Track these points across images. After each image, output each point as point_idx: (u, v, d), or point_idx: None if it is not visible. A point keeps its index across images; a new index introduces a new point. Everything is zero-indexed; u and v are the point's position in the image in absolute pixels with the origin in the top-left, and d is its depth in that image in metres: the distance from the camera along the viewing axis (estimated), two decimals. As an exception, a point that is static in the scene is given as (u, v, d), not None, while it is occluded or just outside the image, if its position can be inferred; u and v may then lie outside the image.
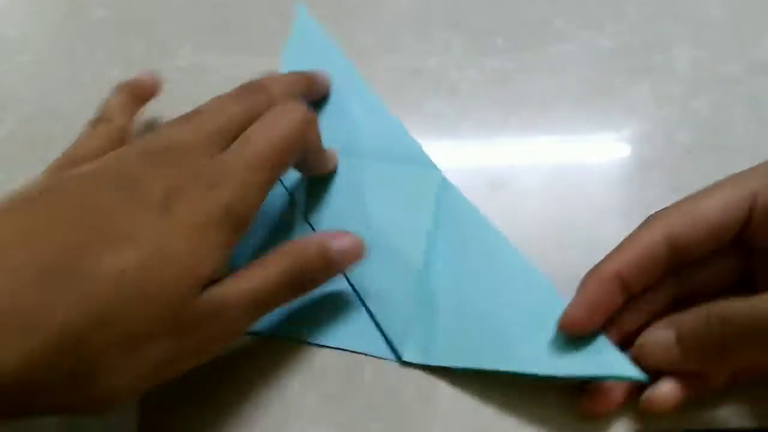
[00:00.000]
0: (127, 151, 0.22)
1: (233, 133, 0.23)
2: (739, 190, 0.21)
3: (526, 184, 0.29)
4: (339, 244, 0.24)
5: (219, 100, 0.24)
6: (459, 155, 0.31)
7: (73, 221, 0.19)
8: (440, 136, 0.31)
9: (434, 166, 0.29)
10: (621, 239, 0.23)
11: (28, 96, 0.34)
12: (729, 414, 0.23)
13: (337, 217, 0.27)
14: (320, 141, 0.26)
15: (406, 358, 0.25)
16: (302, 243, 0.23)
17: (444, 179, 0.28)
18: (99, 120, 0.27)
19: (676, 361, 0.22)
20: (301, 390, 0.25)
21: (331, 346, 0.25)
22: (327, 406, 0.24)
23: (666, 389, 0.22)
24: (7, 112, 0.33)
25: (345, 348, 0.25)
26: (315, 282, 0.24)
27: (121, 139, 0.26)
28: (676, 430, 0.23)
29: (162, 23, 0.36)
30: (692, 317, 0.21)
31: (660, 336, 0.22)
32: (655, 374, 0.22)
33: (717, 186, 0.22)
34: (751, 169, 0.22)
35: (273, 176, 0.22)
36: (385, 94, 0.33)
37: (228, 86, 0.33)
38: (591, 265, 0.23)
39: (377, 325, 0.25)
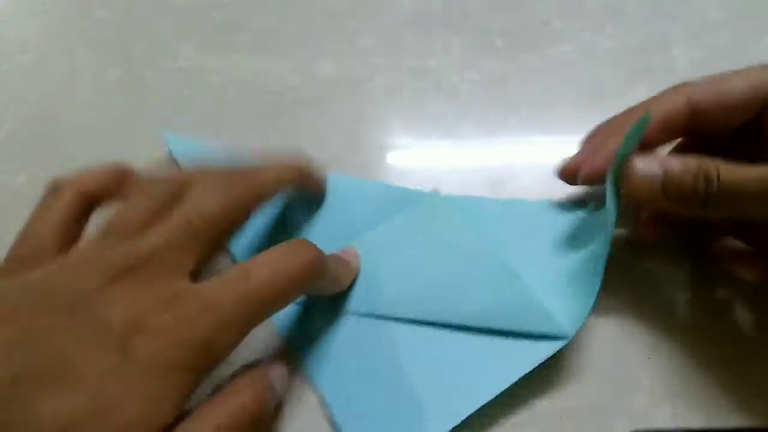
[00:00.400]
0: (84, 258, 0.19)
1: (209, 234, 0.20)
2: (760, 75, 0.22)
3: (526, 183, 0.29)
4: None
5: (197, 187, 0.21)
6: (459, 155, 0.31)
7: (6, 352, 0.16)
8: (440, 136, 0.31)
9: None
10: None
11: (28, 96, 0.34)
12: (729, 414, 0.23)
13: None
14: (329, 275, 0.23)
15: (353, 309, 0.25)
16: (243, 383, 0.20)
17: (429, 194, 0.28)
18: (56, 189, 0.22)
19: (655, 200, 0.22)
20: (300, 390, 0.25)
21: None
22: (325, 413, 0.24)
23: (648, 166, 0.22)
24: (7, 112, 0.33)
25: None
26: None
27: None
28: (676, 430, 0.23)
29: (163, 24, 0.36)
30: (683, 166, 0.22)
31: (649, 172, 0.22)
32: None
33: (747, 68, 0.23)
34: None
35: (260, 317, 0.19)
36: (385, 94, 0.33)
37: (228, 86, 0.33)
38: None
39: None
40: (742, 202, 0.21)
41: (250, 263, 0.19)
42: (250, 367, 0.20)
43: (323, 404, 0.24)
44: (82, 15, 0.37)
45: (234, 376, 0.20)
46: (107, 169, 0.23)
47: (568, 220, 0.27)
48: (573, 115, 0.31)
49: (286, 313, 0.26)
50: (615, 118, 0.25)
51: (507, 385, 0.23)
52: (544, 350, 0.23)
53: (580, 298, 0.24)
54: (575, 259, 0.26)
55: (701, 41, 0.33)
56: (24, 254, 0.20)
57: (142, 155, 0.31)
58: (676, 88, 0.23)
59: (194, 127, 0.32)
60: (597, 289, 0.23)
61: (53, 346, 0.16)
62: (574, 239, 0.26)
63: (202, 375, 0.18)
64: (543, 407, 0.24)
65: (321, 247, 0.22)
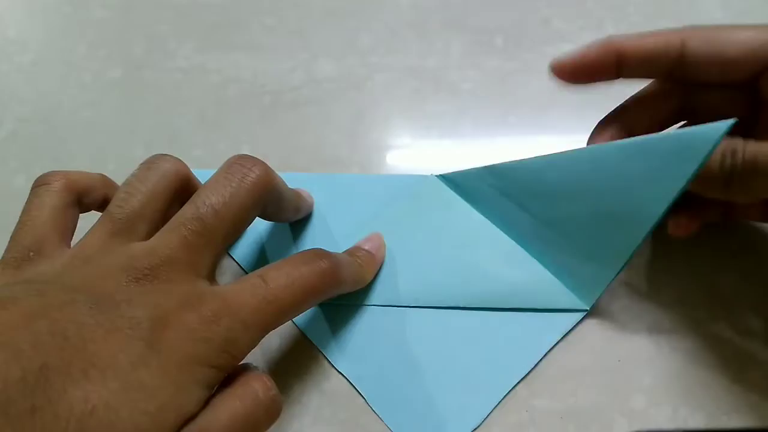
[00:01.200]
0: (100, 252, 0.19)
1: (220, 232, 0.20)
2: (764, 36, 0.21)
3: (526, 183, 0.29)
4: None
5: (207, 185, 0.21)
6: (459, 155, 0.31)
7: (36, 341, 0.16)
8: (440, 136, 0.31)
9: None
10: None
11: (28, 96, 0.34)
12: (729, 414, 0.23)
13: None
14: (347, 281, 0.23)
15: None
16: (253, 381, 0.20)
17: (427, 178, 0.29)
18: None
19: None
20: (300, 389, 0.25)
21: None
22: (327, 406, 0.24)
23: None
24: (7, 112, 0.33)
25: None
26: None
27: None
28: (676, 430, 0.23)
29: (162, 23, 0.36)
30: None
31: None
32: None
33: (754, 26, 0.22)
34: None
35: (277, 323, 0.20)
36: (385, 94, 0.33)
37: (228, 86, 0.33)
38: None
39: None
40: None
41: (267, 271, 0.20)
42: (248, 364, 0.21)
43: (362, 397, 0.24)
44: (82, 15, 0.37)
45: (236, 370, 0.20)
46: (93, 174, 0.24)
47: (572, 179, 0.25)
48: (573, 115, 0.31)
49: (309, 312, 0.26)
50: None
51: (537, 360, 0.24)
52: (564, 323, 0.25)
53: (598, 269, 0.24)
54: (574, 226, 0.25)
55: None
56: (27, 246, 0.20)
57: (142, 155, 0.31)
58: (674, 30, 0.23)
59: (194, 127, 0.32)
60: (625, 259, 0.23)
61: (83, 338, 0.17)
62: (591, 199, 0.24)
63: (222, 372, 0.18)
64: (543, 407, 0.24)
65: (325, 248, 0.22)
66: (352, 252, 0.26)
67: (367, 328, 0.25)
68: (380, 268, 0.27)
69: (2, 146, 0.32)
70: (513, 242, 0.27)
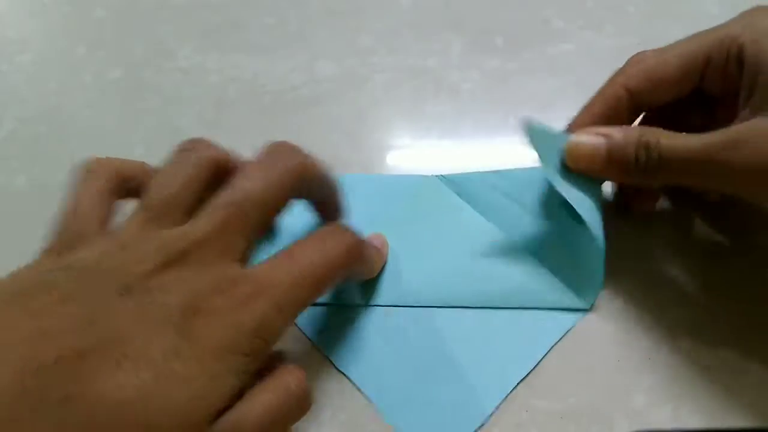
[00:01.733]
0: (135, 239, 0.19)
1: (258, 209, 0.20)
2: (695, 46, 0.23)
3: (526, 184, 0.29)
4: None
5: (240, 168, 0.21)
6: (459, 155, 0.31)
7: (73, 328, 0.16)
8: (440, 136, 0.31)
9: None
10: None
11: (28, 96, 0.34)
12: (729, 414, 0.23)
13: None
14: (367, 260, 0.24)
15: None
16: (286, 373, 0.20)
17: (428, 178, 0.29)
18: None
19: (598, 170, 0.24)
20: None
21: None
22: (327, 408, 0.24)
23: (590, 139, 0.24)
24: (7, 112, 0.33)
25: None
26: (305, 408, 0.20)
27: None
28: (676, 430, 0.23)
29: (162, 24, 0.36)
30: (625, 136, 0.23)
31: (593, 143, 0.24)
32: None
33: (684, 41, 0.24)
34: (708, 30, 0.24)
35: (310, 300, 0.20)
36: (385, 93, 0.33)
37: (228, 86, 0.33)
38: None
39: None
40: (681, 170, 0.22)
41: (296, 247, 0.20)
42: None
43: (368, 400, 0.24)
44: (82, 15, 0.37)
45: (270, 363, 0.20)
46: (134, 161, 0.24)
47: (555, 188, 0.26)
48: (573, 115, 0.31)
49: (311, 314, 0.26)
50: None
51: (538, 359, 0.24)
52: (565, 323, 0.25)
53: (590, 268, 0.25)
54: (573, 228, 0.26)
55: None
56: (68, 232, 0.20)
57: (142, 155, 0.31)
58: (611, 79, 0.25)
59: (194, 127, 0.32)
60: (603, 258, 0.24)
61: (117, 325, 0.17)
62: (566, 208, 0.26)
63: (256, 359, 0.18)
64: (543, 407, 0.24)
65: None
66: None
67: (369, 328, 0.25)
68: (382, 267, 0.27)
69: (2, 146, 0.32)
70: (513, 242, 0.27)
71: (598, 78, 0.32)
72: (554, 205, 0.27)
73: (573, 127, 0.25)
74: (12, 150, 0.32)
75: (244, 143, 0.31)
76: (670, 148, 0.22)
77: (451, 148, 0.31)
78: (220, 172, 0.22)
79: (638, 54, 0.25)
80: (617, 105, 0.24)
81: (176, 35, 0.36)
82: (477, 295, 0.26)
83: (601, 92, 0.25)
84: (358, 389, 0.24)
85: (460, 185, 0.28)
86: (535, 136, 0.25)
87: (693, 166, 0.22)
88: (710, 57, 0.23)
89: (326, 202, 0.25)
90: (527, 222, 0.27)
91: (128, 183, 0.23)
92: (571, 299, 0.25)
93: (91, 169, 0.22)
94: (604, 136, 0.23)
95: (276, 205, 0.21)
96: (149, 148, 0.31)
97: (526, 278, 0.26)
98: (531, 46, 0.34)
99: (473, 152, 0.31)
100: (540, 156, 0.25)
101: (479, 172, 0.29)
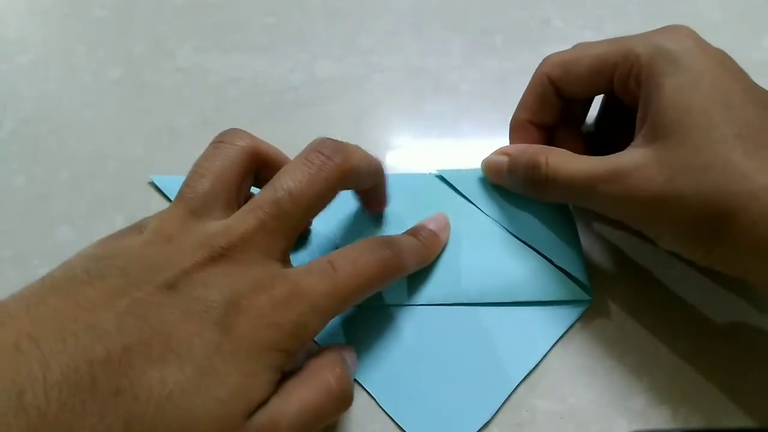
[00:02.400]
0: (184, 239, 0.19)
1: (295, 217, 0.20)
2: (607, 52, 0.24)
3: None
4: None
5: (285, 169, 0.21)
6: (459, 154, 0.31)
7: (119, 322, 0.17)
8: (440, 136, 0.31)
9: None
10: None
11: (28, 96, 0.34)
12: (729, 414, 0.23)
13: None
14: (404, 270, 0.24)
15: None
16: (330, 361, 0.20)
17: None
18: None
19: (505, 184, 0.27)
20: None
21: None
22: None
23: (498, 157, 0.27)
24: (7, 112, 0.33)
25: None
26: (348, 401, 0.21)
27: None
28: (676, 430, 0.23)
29: (162, 23, 0.36)
30: (521, 155, 0.25)
31: (497, 161, 0.27)
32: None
33: (603, 41, 0.25)
34: (627, 37, 0.24)
35: (343, 308, 0.20)
36: (385, 94, 0.33)
37: (228, 86, 0.33)
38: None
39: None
40: (567, 192, 0.24)
41: (335, 257, 0.21)
42: (325, 348, 0.21)
43: (370, 398, 0.24)
44: (82, 15, 0.37)
45: (310, 356, 0.20)
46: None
47: None
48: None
49: None
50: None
51: (543, 353, 0.25)
52: (569, 315, 0.25)
53: (580, 261, 0.26)
54: (560, 223, 0.27)
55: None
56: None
57: (142, 155, 0.31)
58: (537, 69, 0.26)
59: (194, 127, 0.32)
60: (581, 251, 0.26)
61: (161, 320, 0.17)
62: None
63: (290, 356, 0.19)
64: (543, 407, 0.24)
65: (324, 249, 0.22)
66: (416, 231, 0.26)
67: (371, 327, 0.25)
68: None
69: (2, 146, 0.32)
70: (513, 237, 0.27)
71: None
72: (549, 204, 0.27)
73: (512, 119, 0.27)
74: (12, 150, 0.32)
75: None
76: (557, 170, 0.23)
77: (451, 148, 0.31)
78: (258, 163, 0.22)
79: (549, 56, 0.26)
80: (544, 92, 0.26)
81: (176, 35, 0.36)
82: (479, 290, 0.26)
83: (529, 84, 0.26)
84: (362, 387, 0.24)
85: (458, 182, 0.29)
86: (455, 179, 0.28)
87: (577, 190, 0.23)
88: (616, 67, 0.23)
89: (369, 192, 0.25)
90: (526, 216, 0.27)
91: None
92: (573, 291, 0.26)
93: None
94: (508, 154, 0.26)
95: (318, 205, 0.21)
96: (149, 148, 0.31)
97: (527, 272, 0.26)
98: (530, 46, 0.34)
99: (473, 152, 0.31)
100: (466, 194, 0.28)
101: (478, 168, 0.29)
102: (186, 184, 0.21)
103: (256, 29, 0.36)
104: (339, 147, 0.22)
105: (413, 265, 0.24)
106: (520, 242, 0.27)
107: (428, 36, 0.35)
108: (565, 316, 0.25)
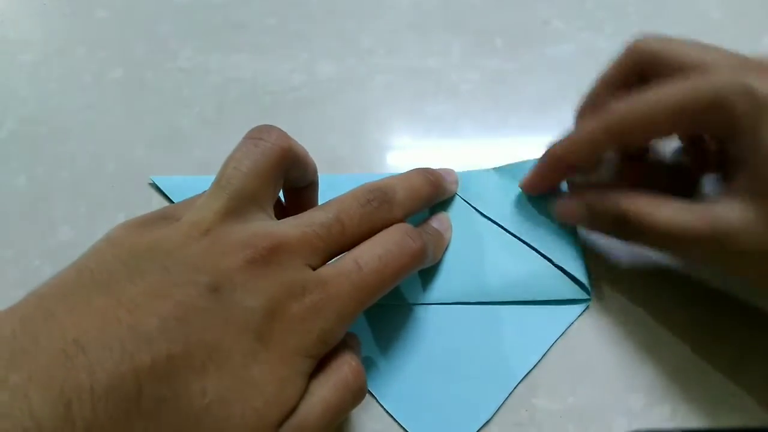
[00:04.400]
0: (223, 236, 0.19)
1: (339, 245, 0.21)
2: (692, 93, 0.22)
3: (526, 184, 0.29)
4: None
5: (341, 200, 0.22)
6: (459, 155, 0.31)
7: (162, 328, 0.16)
8: (440, 136, 0.31)
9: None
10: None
11: (29, 96, 0.34)
12: (729, 414, 0.23)
13: None
14: (424, 263, 0.24)
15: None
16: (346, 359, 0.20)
17: None
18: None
19: (586, 227, 0.26)
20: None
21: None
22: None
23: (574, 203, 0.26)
24: (8, 112, 0.33)
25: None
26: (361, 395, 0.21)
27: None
28: (676, 430, 0.23)
29: (163, 24, 0.36)
30: (603, 206, 0.24)
31: (573, 207, 0.26)
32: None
33: (663, 91, 0.23)
34: (710, 74, 0.22)
35: (368, 305, 0.20)
36: (385, 94, 0.33)
37: (228, 86, 0.33)
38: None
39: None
40: (662, 243, 0.23)
41: (361, 254, 0.20)
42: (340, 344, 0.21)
43: (374, 397, 0.24)
44: (82, 15, 0.37)
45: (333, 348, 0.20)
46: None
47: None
48: (572, 115, 0.31)
49: None
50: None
51: (544, 351, 0.25)
52: (570, 314, 0.26)
53: (580, 260, 0.26)
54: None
55: (701, 41, 0.33)
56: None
57: (142, 156, 0.31)
58: (594, 117, 0.24)
59: (195, 127, 0.32)
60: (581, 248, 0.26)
61: (202, 326, 0.17)
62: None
63: (317, 360, 0.19)
64: (543, 407, 0.24)
65: None
66: (422, 229, 0.25)
67: (374, 326, 0.25)
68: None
69: (3, 146, 0.32)
70: (512, 237, 0.27)
71: (598, 78, 0.32)
72: (551, 200, 0.27)
73: (550, 154, 0.26)
74: (12, 150, 0.32)
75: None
76: (651, 223, 0.22)
77: (451, 148, 0.31)
78: (290, 163, 0.22)
79: (614, 106, 0.24)
80: (592, 142, 0.24)
81: (177, 35, 0.36)
82: (478, 290, 0.26)
83: (580, 126, 0.25)
84: None
85: (458, 182, 0.29)
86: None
87: (672, 243, 0.22)
88: (696, 114, 0.22)
89: None
90: (525, 216, 0.27)
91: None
92: (573, 290, 0.26)
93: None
94: (586, 203, 0.25)
95: (363, 238, 0.21)
96: (150, 148, 0.31)
97: (526, 271, 0.26)
98: (530, 47, 0.34)
99: (473, 152, 0.31)
100: (466, 195, 0.28)
101: (477, 170, 0.29)
102: (223, 178, 0.21)
103: (257, 30, 0.36)
104: (397, 195, 0.22)
105: (429, 261, 0.24)
106: (519, 241, 0.27)
107: (428, 36, 0.35)
108: (565, 316, 0.25)
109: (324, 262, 0.20)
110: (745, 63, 0.22)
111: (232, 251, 0.18)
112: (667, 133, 0.23)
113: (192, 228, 0.19)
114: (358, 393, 0.20)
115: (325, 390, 0.19)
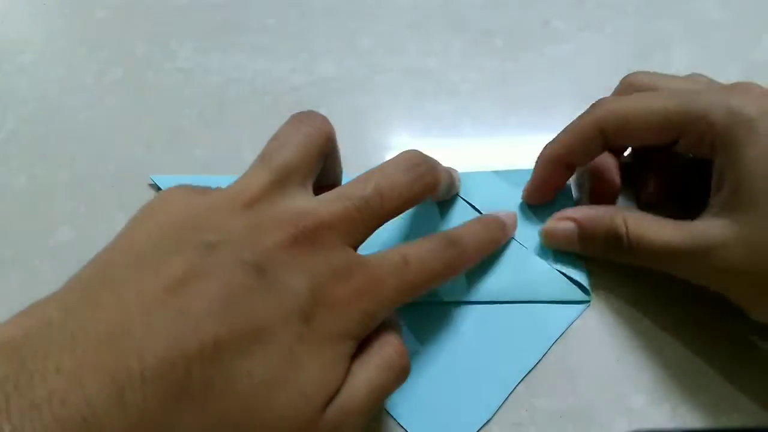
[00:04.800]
0: (266, 211, 0.19)
1: (379, 217, 0.20)
2: (679, 108, 0.23)
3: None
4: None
5: (380, 169, 0.21)
6: (459, 155, 0.31)
7: (209, 309, 0.16)
8: (440, 136, 0.31)
9: None
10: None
11: (29, 96, 0.34)
12: (729, 414, 0.23)
13: None
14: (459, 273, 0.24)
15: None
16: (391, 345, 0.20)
17: None
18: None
19: (575, 250, 0.26)
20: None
21: None
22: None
23: (563, 225, 0.26)
24: (8, 112, 0.33)
25: None
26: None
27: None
28: (676, 430, 0.23)
29: (163, 24, 0.36)
30: (601, 222, 0.24)
31: (565, 229, 0.26)
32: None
33: (660, 94, 0.24)
34: (699, 94, 0.23)
35: (405, 302, 0.20)
36: (385, 94, 0.33)
37: (228, 86, 0.33)
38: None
39: None
40: (650, 259, 0.23)
41: (408, 252, 0.20)
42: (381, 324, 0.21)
43: None
44: (82, 15, 0.37)
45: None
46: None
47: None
48: (573, 115, 0.31)
49: None
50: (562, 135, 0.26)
51: (543, 352, 0.25)
52: (568, 315, 0.25)
53: (579, 261, 0.26)
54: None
55: (701, 41, 0.33)
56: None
57: (142, 155, 0.31)
58: (587, 113, 0.25)
59: (195, 127, 0.32)
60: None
61: (248, 307, 0.17)
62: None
63: (358, 343, 0.19)
64: (543, 407, 0.24)
65: None
66: (486, 221, 0.25)
67: None
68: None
69: (3, 146, 0.32)
70: (513, 240, 0.27)
71: (598, 78, 0.33)
72: (549, 204, 0.28)
73: (546, 152, 0.26)
74: (12, 150, 0.32)
75: (244, 144, 0.32)
76: (640, 238, 0.23)
77: (451, 148, 0.31)
78: (330, 145, 0.22)
79: (604, 100, 0.25)
80: (590, 138, 0.25)
81: (177, 36, 0.36)
82: (478, 290, 0.26)
83: (576, 124, 0.25)
84: None
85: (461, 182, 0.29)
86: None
87: (659, 259, 0.23)
88: (682, 128, 0.23)
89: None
90: (525, 219, 0.27)
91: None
92: (572, 291, 0.26)
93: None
94: (574, 220, 0.25)
95: (400, 211, 0.21)
96: (149, 148, 0.31)
97: (526, 272, 0.26)
98: (530, 47, 0.34)
99: (473, 152, 0.31)
100: (465, 197, 0.28)
101: (478, 171, 0.29)
102: (267, 152, 0.21)
103: (257, 30, 0.36)
104: (431, 164, 0.22)
105: (472, 265, 0.24)
106: (518, 243, 0.27)
107: (428, 36, 0.35)
108: (565, 316, 0.25)
109: (365, 237, 0.20)
110: (729, 87, 0.23)
111: (275, 228, 0.18)
112: (651, 136, 0.24)
113: (235, 198, 0.19)
114: (401, 373, 0.20)
115: (368, 371, 0.19)
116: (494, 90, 0.33)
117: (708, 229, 0.21)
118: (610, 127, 0.24)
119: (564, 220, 0.26)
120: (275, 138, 0.21)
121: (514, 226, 0.27)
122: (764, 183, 0.20)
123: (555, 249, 0.26)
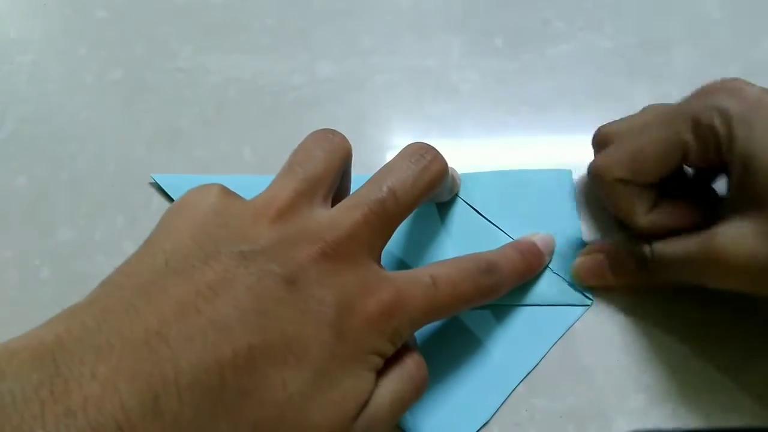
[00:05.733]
0: (293, 222, 0.19)
1: (397, 219, 0.21)
2: (676, 126, 0.23)
3: (526, 184, 0.29)
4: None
5: (388, 167, 0.22)
6: (459, 155, 0.31)
7: (243, 320, 0.16)
8: (440, 136, 0.31)
9: None
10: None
11: (29, 96, 0.34)
12: (729, 414, 0.23)
13: None
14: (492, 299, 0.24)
15: None
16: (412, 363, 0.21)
17: None
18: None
19: (609, 282, 0.25)
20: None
21: None
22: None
23: (592, 258, 0.26)
24: (8, 112, 0.33)
25: None
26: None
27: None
28: (676, 430, 0.23)
29: (163, 24, 0.36)
30: (623, 246, 0.25)
31: (595, 261, 0.26)
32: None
33: (647, 124, 0.24)
34: (678, 107, 0.23)
35: (433, 320, 0.21)
36: (385, 94, 0.33)
37: (228, 86, 0.33)
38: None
39: None
40: (675, 274, 0.23)
41: (438, 273, 0.20)
42: None
43: None
44: (82, 15, 0.37)
45: None
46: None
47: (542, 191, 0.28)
48: (573, 115, 0.31)
49: None
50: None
51: (543, 354, 0.25)
52: (569, 317, 0.26)
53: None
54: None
55: (701, 41, 0.33)
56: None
57: (142, 156, 0.31)
58: (603, 168, 0.25)
59: (195, 127, 0.32)
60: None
61: (281, 318, 0.17)
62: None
63: (385, 358, 0.19)
64: (543, 406, 0.24)
65: None
66: (522, 248, 0.25)
67: None
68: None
69: (3, 146, 0.32)
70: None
71: (598, 78, 0.33)
72: (551, 207, 0.28)
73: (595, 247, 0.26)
74: (12, 150, 0.32)
75: (244, 144, 0.32)
76: (662, 254, 0.23)
77: (451, 148, 0.31)
78: (347, 164, 0.23)
79: (602, 130, 0.26)
80: (616, 192, 0.25)
81: (177, 36, 0.36)
82: None
83: (600, 192, 0.26)
84: None
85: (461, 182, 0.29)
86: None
87: (683, 272, 0.23)
88: (687, 145, 0.23)
89: (437, 197, 0.26)
90: (527, 223, 0.27)
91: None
92: (573, 294, 0.26)
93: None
94: (602, 251, 0.25)
95: (416, 206, 0.21)
96: (149, 148, 0.31)
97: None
98: (531, 47, 0.34)
99: (473, 152, 0.31)
100: (466, 198, 0.28)
101: (478, 172, 0.29)
102: (295, 161, 0.21)
103: (257, 30, 0.36)
104: (437, 153, 0.22)
105: (506, 292, 0.24)
106: None
107: (428, 36, 0.35)
108: (565, 317, 0.25)
109: (387, 240, 0.20)
110: (704, 90, 0.23)
111: (303, 242, 0.18)
112: (659, 168, 0.24)
113: (265, 206, 0.19)
114: (421, 385, 0.20)
115: (392, 383, 0.19)
116: (494, 90, 0.33)
117: (723, 232, 0.21)
118: (625, 177, 0.24)
119: (593, 253, 0.26)
120: (302, 149, 0.21)
121: (551, 253, 0.26)
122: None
123: (587, 285, 0.26)
